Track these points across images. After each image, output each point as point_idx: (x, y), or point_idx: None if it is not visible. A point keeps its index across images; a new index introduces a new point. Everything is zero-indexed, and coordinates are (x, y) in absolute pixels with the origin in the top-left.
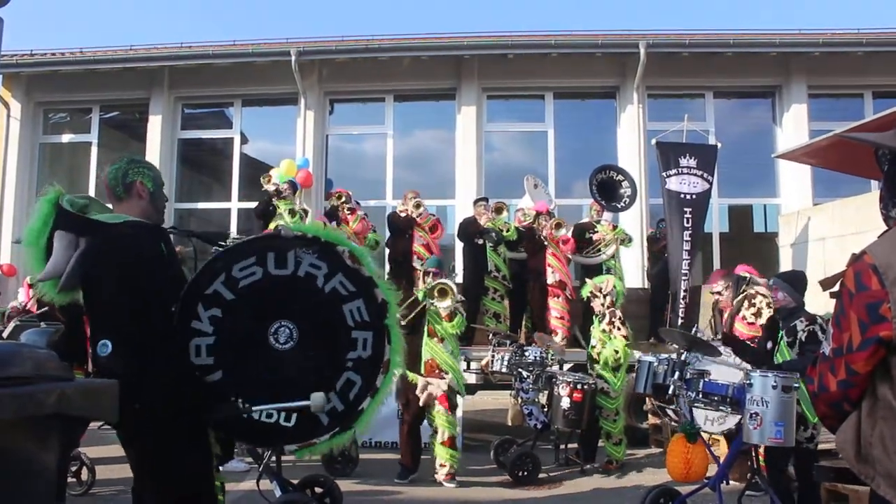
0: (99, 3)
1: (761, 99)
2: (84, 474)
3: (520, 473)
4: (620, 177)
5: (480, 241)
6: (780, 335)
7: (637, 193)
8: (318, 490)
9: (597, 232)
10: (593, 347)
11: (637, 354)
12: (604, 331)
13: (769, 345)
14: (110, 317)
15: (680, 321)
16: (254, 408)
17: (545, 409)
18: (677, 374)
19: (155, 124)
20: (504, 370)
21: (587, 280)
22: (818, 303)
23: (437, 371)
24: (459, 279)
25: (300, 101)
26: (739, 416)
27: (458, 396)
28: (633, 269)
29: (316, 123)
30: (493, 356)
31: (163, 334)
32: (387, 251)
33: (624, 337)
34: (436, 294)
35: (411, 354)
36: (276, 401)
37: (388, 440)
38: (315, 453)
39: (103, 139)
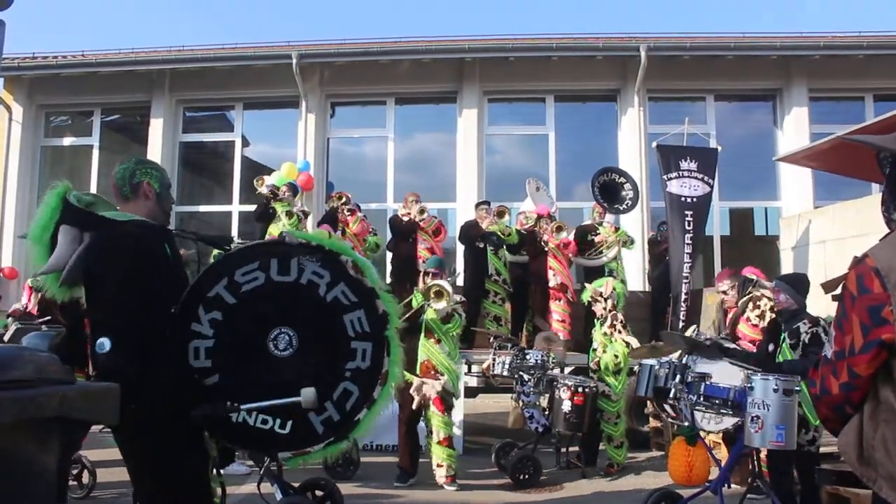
0: (100, 6)
1: (762, 102)
2: (85, 477)
3: (521, 477)
4: (623, 179)
5: (482, 245)
6: (782, 337)
7: (639, 196)
8: (318, 493)
9: (599, 234)
10: (594, 351)
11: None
12: (605, 334)
13: (771, 347)
14: (110, 315)
15: (681, 324)
16: (242, 406)
17: (546, 413)
18: (679, 377)
19: (156, 127)
20: (505, 373)
21: (587, 285)
22: (819, 306)
23: (432, 372)
24: (461, 281)
25: (301, 104)
26: (737, 416)
27: (452, 398)
28: (634, 272)
29: (317, 126)
30: (494, 359)
31: (162, 335)
32: (388, 254)
33: (625, 342)
34: (432, 295)
35: (408, 354)
36: (271, 408)
37: (389, 443)
38: (309, 462)
39: (104, 142)
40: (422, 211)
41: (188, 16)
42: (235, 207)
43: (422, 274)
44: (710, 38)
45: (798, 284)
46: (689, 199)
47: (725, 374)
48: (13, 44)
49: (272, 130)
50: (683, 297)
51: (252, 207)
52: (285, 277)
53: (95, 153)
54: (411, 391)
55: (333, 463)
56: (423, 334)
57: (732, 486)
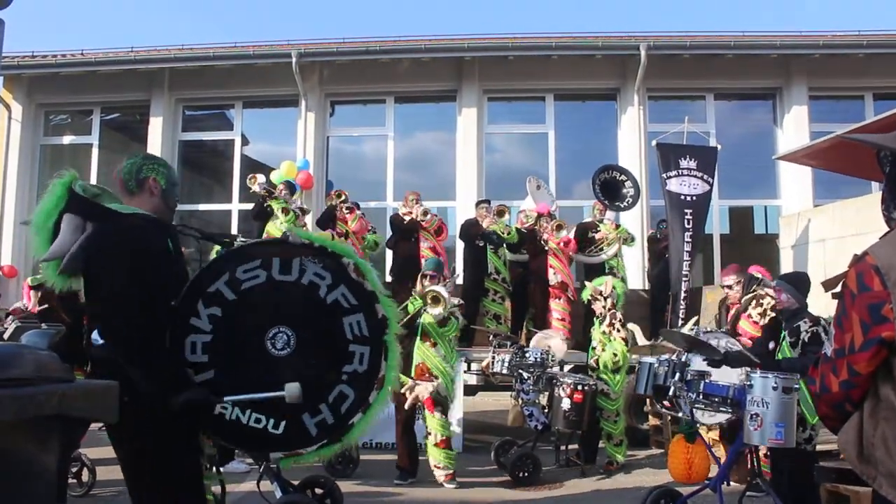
0: (100, 5)
1: (762, 101)
2: (85, 475)
3: (520, 474)
4: (623, 177)
5: (481, 244)
6: (782, 335)
7: (640, 193)
8: (318, 491)
9: (599, 231)
10: (594, 350)
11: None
12: (604, 333)
13: (771, 345)
14: (110, 310)
15: (680, 322)
16: (226, 398)
17: (546, 411)
18: (678, 375)
19: (156, 126)
20: (504, 371)
21: (587, 283)
22: (819, 305)
23: (427, 375)
24: (460, 280)
25: (301, 103)
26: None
27: (447, 401)
28: (634, 270)
29: (317, 125)
30: (493, 357)
31: (163, 332)
32: (387, 252)
33: (623, 339)
34: (429, 301)
35: (404, 356)
36: (262, 406)
37: (389, 441)
38: (301, 463)
39: (104, 141)
40: (425, 213)
41: (187, 15)
42: (235, 206)
43: (420, 276)
44: (709, 36)
45: (799, 283)
46: (688, 198)
47: (723, 370)
48: (13, 42)
49: (272, 129)
50: (683, 295)
51: (252, 206)
52: (286, 277)
53: (95, 152)
54: (403, 390)
55: (333, 461)
56: (418, 337)
57: (732, 483)
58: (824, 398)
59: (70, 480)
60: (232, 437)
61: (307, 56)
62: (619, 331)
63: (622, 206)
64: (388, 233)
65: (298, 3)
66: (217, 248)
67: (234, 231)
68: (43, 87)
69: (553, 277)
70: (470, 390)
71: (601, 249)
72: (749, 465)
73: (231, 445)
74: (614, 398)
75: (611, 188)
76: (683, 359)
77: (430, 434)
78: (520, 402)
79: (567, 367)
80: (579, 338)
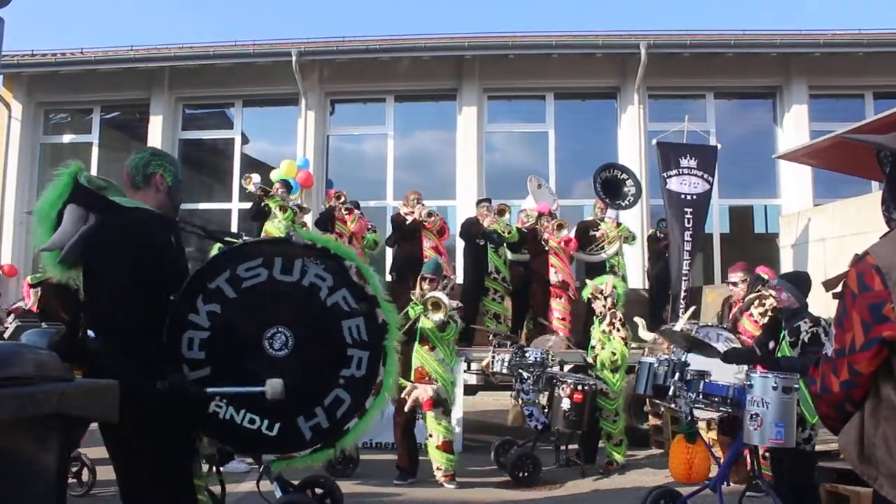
0: (100, 4)
1: (762, 99)
2: (85, 475)
3: (520, 474)
4: (624, 175)
5: (482, 243)
6: (782, 335)
7: (641, 192)
8: (318, 491)
9: (600, 229)
10: (593, 348)
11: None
12: (604, 332)
13: (771, 345)
14: (108, 305)
15: (680, 314)
16: (208, 389)
17: (545, 410)
18: (678, 375)
19: (156, 125)
20: (504, 371)
21: (588, 281)
22: (819, 305)
23: (426, 379)
24: (460, 280)
25: (301, 102)
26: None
27: (447, 403)
28: (634, 270)
29: (317, 124)
30: (493, 357)
31: (162, 324)
32: (388, 250)
33: (622, 338)
34: (429, 307)
35: (404, 359)
36: (257, 406)
37: (389, 441)
38: (293, 466)
39: (104, 140)
40: (430, 214)
41: (187, 13)
42: (235, 205)
43: (419, 279)
44: (709, 35)
45: (800, 283)
46: (688, 197)
47: (718, 368)
48: (12, 41)
49: (272, 128)
50: (683, 294)
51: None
52: (288, 277)
53: (95, 150)
54: (403, 394)
55: (333, 461)
56: (417, 341)
57: (731, 484)
58: (825, 398)
59: (70, 480)
60: (225, 437)
61: (307, 55)
62: (618, 330)
63: (623, 204)
64: (388, 231)
65: (298, 1)
66: (217, 245)
67: (234, 230)
68: (43, 85)
69: (554, 276)
70: (470, 390)
71: (602, 248)
72: (749, 466)
73: (224, 445)
74: (613, 398)
75: (612, 186)
76: (683, 358)
77: (431, 436)
78: (520, 401)
79: (567, 367)
80: (579, 337)
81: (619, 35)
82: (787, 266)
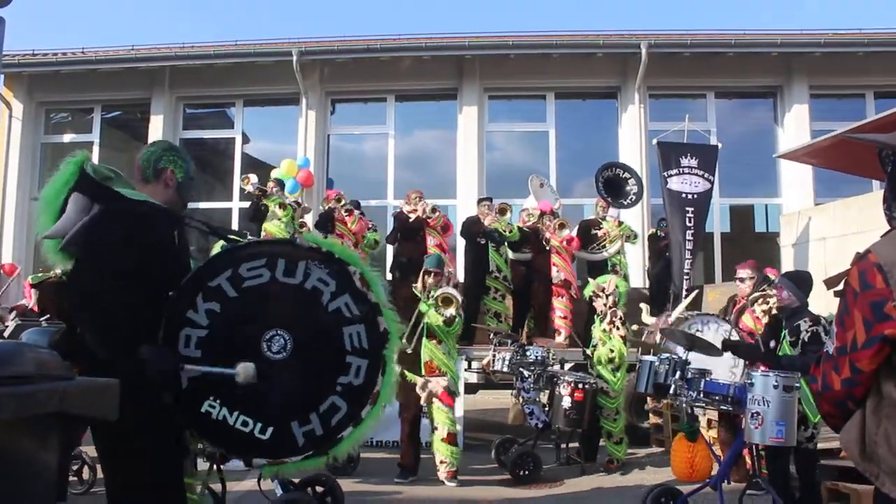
0: (100, 4)
1: (762, 99)
2: (85, 473)
3: (521, 473)
4: (627, 174)
5: (483, 241)
6: (783, 334)
7: (643, 190)
8: (319, 489)
9: (602, 228)
10: (594, 347)
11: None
12: (604, 330)
13: (772, 344)
14: (104, 299)
15: (681, 304)
16: (186, 365)
17: (546, 409)
18: (679, 373)
19: (156, 124)
20: (505, 370)
21: (590, 280)
22: (820, 305)
23: (436, 372)
24: (460, 278)
25: (301, 101)
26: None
27: (454, 395)
28: (634, 269)
29: (317, 123)
30: (494, 355)
31: (157, 320)
32: (388, 250)
33: (622, 337)
34: (440, 303)
35: (413, 355)
36: (251, 409)
37: (389, 439)
38: (284, 473)
39: (105, 139)
40: (433, 210)
41: (188, 13)
42: (236, 204)
43: (422, 272)
44: (710, 35)
45: (801, 282)
46: (689, 196)
47: (712, 362)
48: (13, 41)
49: (272, 127)
50: (684, 293)
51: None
52: (290, 279)
53: (96, 150)
54: (417, 389)
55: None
56: (425, 336)
57: (732, 482)
58: (826, 396)
59: (71, 478)
60: (217, 438)
61: (308, 54)
62: (618, 328)
63: (625, 203)
64: (388, 229)
65: (299, 1)
66: (220, 243)
67: (235, 229)
68: (44, 85)
69: (556, 276)
70: (470, 388)
71: (603, 247)
72: (750, 464)
73: (215, 447)
74: (614, 396)
75: (614, 185)
76: (684, 357)
77: (437, 428)
78: (520, 400)
79: (568, 366)
80: (581, 335)
81: (619, 35)
82: (787, 265)
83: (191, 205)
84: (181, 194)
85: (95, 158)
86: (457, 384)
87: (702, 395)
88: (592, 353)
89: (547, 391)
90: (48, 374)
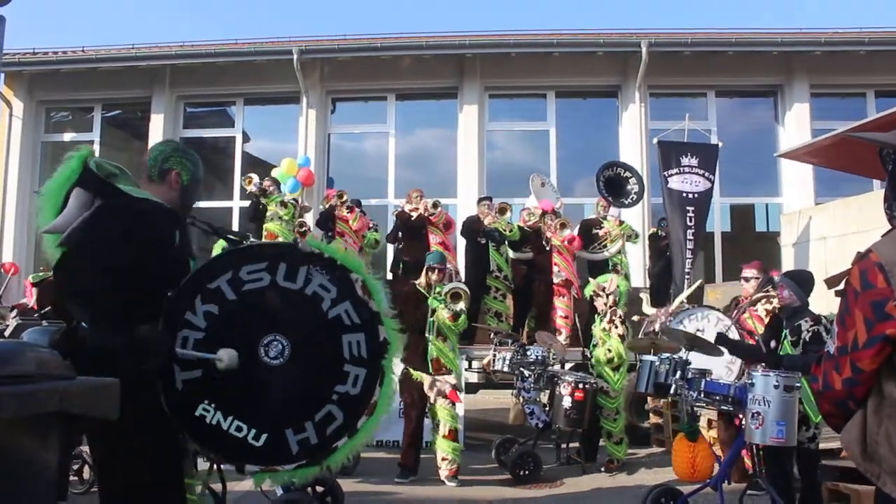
0: (101, 2)
1: (763, 98)
2: (86, 472)
3: (521, 472)
4: (628, 173)
5: (483, 241)
6: (783, 334)
7: (644, 189)
8: (319, 489)
9: (603, 227)
10: (595, 346)
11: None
12: (604, 329)
13: (773, 344)
14: (101, 298)
15: (683, 290)
16: (179, 350)
17: (546, 409)
18: (679, 373)
19: (157, 123)
20: (506, 369)
21: (591, 279)
22: (821, 304)
23: (443, 370)
24: (462, 276)
25: (302, 100)
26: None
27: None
28: (635, 268)
29: (318, 122)
30: (494, 355)
31: (153, 318)
32: (388, 249)
33: (620, 336)
34: (449, 298)
35: (418, 353)
36: (247, 416)
37: (390, 439)
38: (276, 482)
39: (105, 138)
40: (435, 205)
41: (188, 12)
42: (236, 203)
43: (426, 269)
44: (711, 34)
45: (802, 281)
46: (690, 195)
47: (707, 359)
48: (13, 39)
49: (273, 126)
50: (685, 287)
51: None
52: (291, 284)
53: (96, 149)
54: (426, 389)
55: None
56: (434, 333)
57: (732, 483)
58: (827, 395)
59: (71, 478)
60: (209, 443)
61: (308, 53)
62: (617, 327)
63: (626, 202)
64: (389, 228)
65: (299, 0)
66: (221, 244)
67: (234, 229)
68: (44, 84)
69: (557, 275)
70: (471, 388)
71: (604, 246)
72: (749, 464)
73: (207, 452)
74: (614, 396)
75: (615, 185)
76: (685, 357)
77: (439, 425)
78: (521, 400)
79: (568, 365)
80: (582, 335)
81: (620, 33)
82: (788, 265)
83: None
84: (184, 197)
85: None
86: (461, 381)
87: (702, 394)
88: (592, 353)
89: (547, 391)
90: (49, 373)
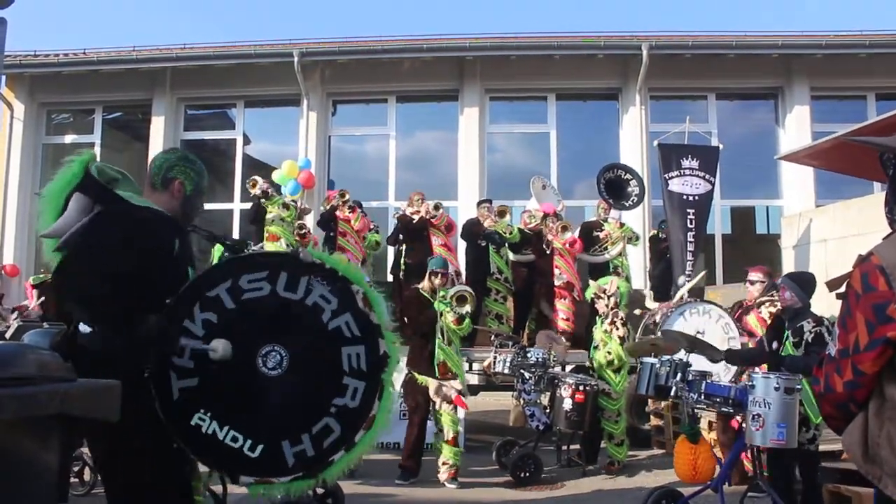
0: (102, 5)
1: (764, 100)
2: (87, 474)
3: (521, 474)
4: (628, 176)
5: (483, 243)
6: (785, 335)
7: (645, 192)
8: (320, 490)
9: (603, 230)
10: (596, 348)
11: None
12: (605, 331)
13: (774, 345)
14: (100, 304)
15: (684, 279)
16: (183, 340)
17: (547, 411)
18: (680, 375)
19: (157, 125)
20: (506, 371)
21: (591, 282)
22: (822, 306)
23: (449, 374)
24: (462, 279)
25: (303, 102)
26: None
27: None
28: (635, 270)
29: (318, 124)
30: (495, 357)
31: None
32: (390, 250)
33: (620, 338)
34: (455, 302)
35: (424, 357)
36: (244, 426)
37: (391, 441)
38: (270, 494)
39: (106, 140)
40: (437, 207)
41: (189, 14)
42: (237, 205)
43: (428, 274)
44: (711, 36)
45: (804, 283)
46: (690, 198)
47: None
48: (15, 41)
49: (273, 128)
50: (686, 277)
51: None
52: (291, 294)
53: (97, 151)
54: (432, 394)
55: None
56: (440, 337)
57: (733, 485)
58: (828, 398)
59: (72, 479)
60: (204, 453)
61: (309, 55)
62: (618, 329)
63: (627, 204)
64: (389, 230)
65: (300, 2)
66: (219, 249)
67: (235, 231)
68: (45, 86)
69: (559, 278)
70: (471, 390)
71: (605, 249)
72: (748, 467)
73: (202, 461)
74: (615, 398)
75: (615, 187)
76: (685, 359)
77: (441, 431)
78: (521, 402)
79: (569, 368)
80: (583, 336)
81: (620, 36)
82: (788, 267)
83: None
84: (186, 207)
85: (97, 159)
86: (465, 385)
87: (703, 396)
88: (593, 355)
89: (548, 393)
90: (49, 375)
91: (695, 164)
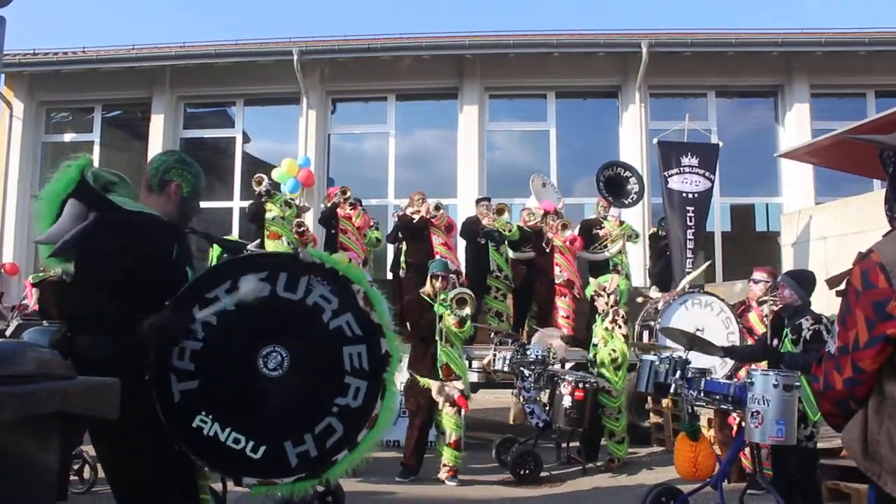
0: (101, 3)
1: (763, 98)
2: (86, 472)
3: (521, 472)
4: (628, 173)
5: (483, 241)
6: (784, 332)
7: (644, 189)
8: (319, 488)
9: (603, 228)
10: (595, 346)
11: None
12: (606, 329)
13: (774, 342)
14: (98, 309)
15: (688, 269)
16: (198, 315)
17: (547, 408)
18: (679, 372)
19: (157, 123)
20: (506, 369)
21: (591, 280)
22: (821, 304)
23: (452, 376)
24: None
25: (302, 101)
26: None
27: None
28: (635, 268)
29: (318, 122)
30: (495, 355)
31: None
32: (389, 250)
33: (623, 336)
34: (454, 304)
35: (426, 360)
36: (246, 427)
37: (392, 439)
38: (271, 493)
39: (105, 138)
40: (437, 207)
41: (188, 13)
42: (236, 204)
43: (429, 277)
44: (711, 34)
45: (804, 281)
46: (690, 195)
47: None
48: (14, 40)
49: (273, 126)
50: (687, 269)
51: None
52: (291, 295)
53: (96, 149)
54: (434, 396)
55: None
56: (442, 339)
57: (732, 482)
58: (828, 395)
59: (72, 478)
60: (206, 455)
61: (308, 53)
62: (620, 327)
63: (627, 202)
64: (390, 228)
65: (300, 0)
66: (217, 250)
67: (234, 229)
68: (44, 84)
69: (559, 276)
70: (471, 387)
71: (605, 246)
72: (747, 464)
73: (204, 464)
74: (616, 395)
75: (615, 185)
76: (685, 356)
77: (444, 433)
78: (521, 399)
79: (568, 365)
80: (583, 335)
81: (620, 34)
82: (788, 265)
83: None
84: (183, 209)
85: (96, 157)
86: (467, 387)
87: (702, 394)
88: (596, 356)
89: (547, 390)
90: (49, 373)
91: (694, 161)
